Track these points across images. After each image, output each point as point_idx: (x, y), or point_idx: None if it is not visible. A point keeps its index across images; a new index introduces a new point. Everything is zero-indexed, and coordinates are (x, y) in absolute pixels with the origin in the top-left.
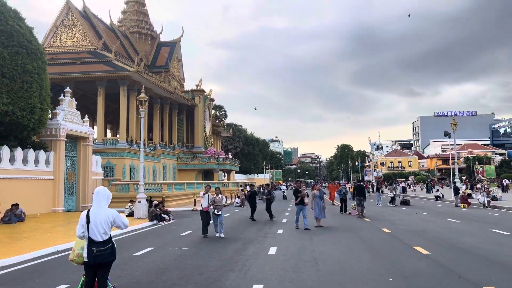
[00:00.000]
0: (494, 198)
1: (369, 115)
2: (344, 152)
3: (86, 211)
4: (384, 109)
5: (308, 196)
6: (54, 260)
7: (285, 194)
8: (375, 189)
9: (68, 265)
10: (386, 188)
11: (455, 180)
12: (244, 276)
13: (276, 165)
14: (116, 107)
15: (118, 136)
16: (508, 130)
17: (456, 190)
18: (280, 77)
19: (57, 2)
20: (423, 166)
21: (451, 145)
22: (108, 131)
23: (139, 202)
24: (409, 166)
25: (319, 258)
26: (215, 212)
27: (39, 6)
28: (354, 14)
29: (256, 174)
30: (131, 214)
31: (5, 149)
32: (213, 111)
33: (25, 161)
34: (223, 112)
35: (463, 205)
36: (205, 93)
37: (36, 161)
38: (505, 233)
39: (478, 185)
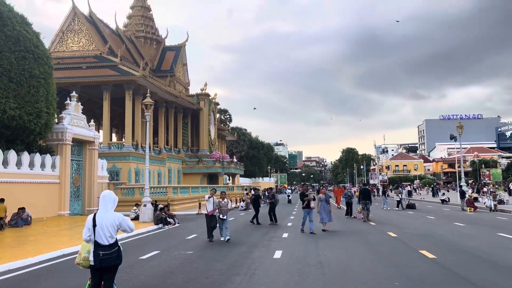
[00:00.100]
0: (501, 202)
1: (374, 118)
2: (349, 155)
3: (92, 215)
4: (389, 112)
5: (314, 199)
6: (60, 264)
7: (290, 198)
8: (381, 192)
9: (74, 268)
10: (392, 192)
11: (461, 184)
12: (249, 280)
13: (280, 168)
14: (122, 111)
15: (123, 140)
16: None
17: (462, 194)
18: (285, 81)
19: (64, 7)
20: (428, 169)
21: (457, 148)
22: (113, 135)
23: (145, 205)
24: (415, 169)
25: (325, 262)
26: (221, 216)
27: (45, 11)
28: (358, 18)
29: (261, 178)
30: (136, 218)
31: (12, 153)
32: (218, 115)
33: (31, 165)
34: (228, 116)
35: (470, 209)
36: (210, 97)
37: (43, 165)
38: None
39: (485, 189)
